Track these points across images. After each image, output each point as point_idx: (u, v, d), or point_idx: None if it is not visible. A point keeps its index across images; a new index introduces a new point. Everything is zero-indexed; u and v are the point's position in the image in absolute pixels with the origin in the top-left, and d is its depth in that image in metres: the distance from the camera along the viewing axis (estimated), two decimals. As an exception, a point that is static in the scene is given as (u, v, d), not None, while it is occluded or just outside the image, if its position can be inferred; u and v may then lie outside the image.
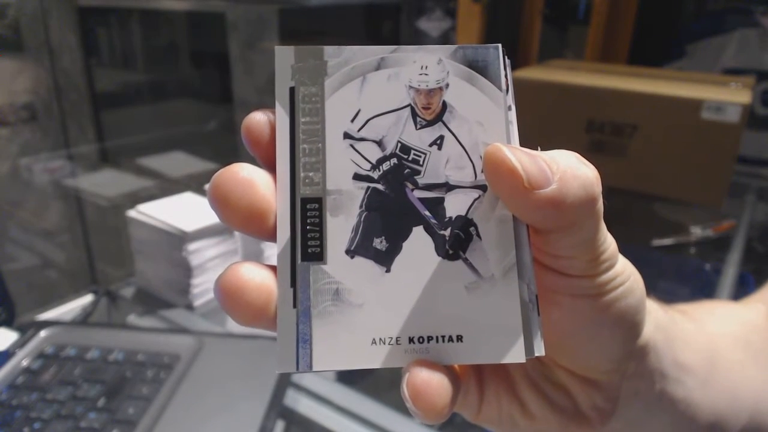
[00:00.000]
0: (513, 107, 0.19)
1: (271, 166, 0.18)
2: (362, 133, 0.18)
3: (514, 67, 0.89)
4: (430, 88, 0.19)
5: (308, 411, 0.60)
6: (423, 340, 0.18)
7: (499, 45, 0.19)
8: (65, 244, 1.78)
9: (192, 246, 0.76)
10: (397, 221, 0.18)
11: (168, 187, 1.40)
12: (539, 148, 0.18)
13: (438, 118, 0.19)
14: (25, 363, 0.61)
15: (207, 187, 0.18)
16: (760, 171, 1.30)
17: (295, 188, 0.18)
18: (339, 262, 0.18)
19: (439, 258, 0.18)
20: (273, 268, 0.17)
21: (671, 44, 1.49)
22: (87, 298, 0.83)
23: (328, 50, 0.19)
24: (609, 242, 0.19)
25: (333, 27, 1.74)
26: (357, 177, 0.18)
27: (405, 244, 0.18)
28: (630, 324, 0.21)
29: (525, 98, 1.05)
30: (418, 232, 0.18)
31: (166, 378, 0.58)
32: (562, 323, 0.21)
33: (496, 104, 0.19)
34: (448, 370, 0.17)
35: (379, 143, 0.18)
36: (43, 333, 0.65)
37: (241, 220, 0.17)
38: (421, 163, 0.18)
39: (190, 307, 0.78)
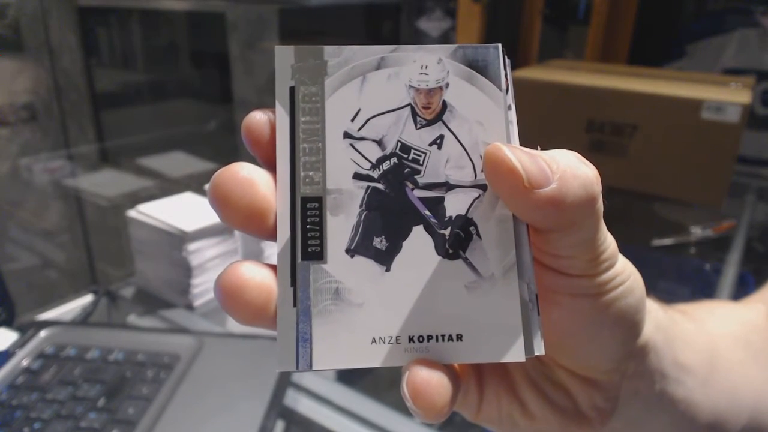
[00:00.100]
0: (513, 107, 0.19)
1: (271, 166, 0.18)
2: (362, 133, 0.18)
3: (514, 67, 0.89)
4: (430, 87, 0.19)
5: (308, 411, 0.60)
6: (423, 339, 0.18)
7: (499, 45, 0.19)
8: (65, 244, 1.78)
9: (192, 246, 0.76)
10: (397, 220, 0.18)
11: (168, 187, 1.40)
12: (539, 148, 0.18)
13: (438, 118, 0.19)
14: (25, 363, 0.61)
15: (207, 186, 0.18)
16: (760, 171, 1.30)
17: (295, 187, 0.18)
18: (339, 261, 0.18)
19: (439, 257, 0.18)
20: (273, 267, 0.18)
21: (671, 44, 1.49)
22: (87, 298, 0.83)
23: (328, 50, 0.19)
24: (609, 242, 0.19)
25: (333, 27, 1.74)
26: (357, 176, 0.18)
27: (405, 244, 0.18)
28: (630, 324, 0.21)
29: (525, 98, 1.05)
30: (418, 231, 0.18)
31: (166, 378, 0.58)
32: (562, 323, 0.21)
33: (496, 104, 0.19)
34: (448, 369, 0.17)
35: (379, 143, 0.18)
36: (43, 333, 0.65)
37: (242, 219, 0.17)
38: (421, 162, 0.18)
39: (190, 307, 0.78)
